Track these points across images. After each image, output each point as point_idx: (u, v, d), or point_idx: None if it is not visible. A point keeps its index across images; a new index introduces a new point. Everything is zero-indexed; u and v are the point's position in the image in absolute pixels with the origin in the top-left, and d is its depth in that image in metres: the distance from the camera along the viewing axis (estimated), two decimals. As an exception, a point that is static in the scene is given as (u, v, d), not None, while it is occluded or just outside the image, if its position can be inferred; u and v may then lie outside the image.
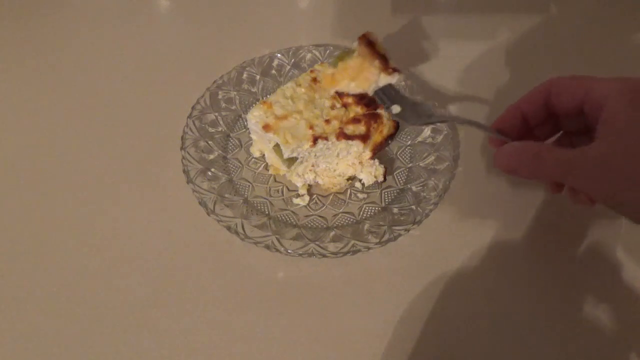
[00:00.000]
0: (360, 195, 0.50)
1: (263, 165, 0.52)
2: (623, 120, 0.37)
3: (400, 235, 0.45)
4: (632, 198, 0.38)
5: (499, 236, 0.48)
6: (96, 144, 0.55)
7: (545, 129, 0.43)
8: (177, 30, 0.69)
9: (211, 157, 0.51)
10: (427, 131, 0.53)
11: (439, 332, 0.43)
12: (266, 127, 0.46)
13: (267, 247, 0.44)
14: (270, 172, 0.51)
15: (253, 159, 0.52)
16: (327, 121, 0.48)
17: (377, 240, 0.44)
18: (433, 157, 0.51)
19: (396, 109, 0.46)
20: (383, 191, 0.50)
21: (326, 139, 0.47)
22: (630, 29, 0.67)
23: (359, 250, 0.44)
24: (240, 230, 0.44)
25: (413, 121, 0.46)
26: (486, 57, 0.63)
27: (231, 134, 0.54)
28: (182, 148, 0.50)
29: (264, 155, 0.52)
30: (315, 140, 0.47)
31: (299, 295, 0.45)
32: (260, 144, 0.50)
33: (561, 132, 0.44)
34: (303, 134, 0.47)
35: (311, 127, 0.47)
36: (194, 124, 0.52)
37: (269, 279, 0.46)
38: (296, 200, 0.49)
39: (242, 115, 0.55)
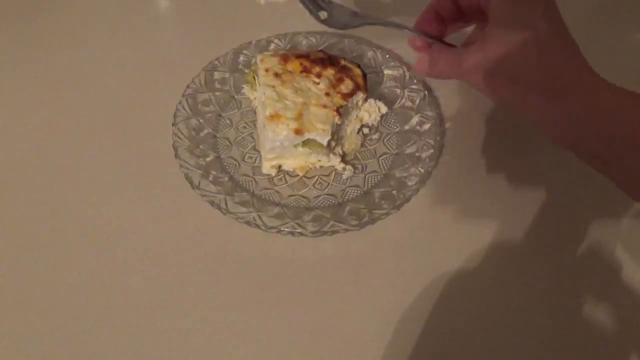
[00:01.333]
0: (345, 175, 0.51)
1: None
2: (501, 18, 0.40)
3: (379, 218, 0.46)
4: (509, 93, 0.41)
5: (499, 236, 0.48)
6: (84, 139, 0.55)
7: (459, 25, 0.47)
8: (172, 27, 0.70)
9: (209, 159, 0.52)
10: (415, 119, 0.54)
11: (437, 332, 0.43)
12: (298, 132, 0.47)
13: (248, 222, 0.45)
14: (299, 173, 0.51)
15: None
16: (327, 94, 0.50)
17: (356, 223, 0.45)
18: (418, 145, 0.51)
19: (323, 14, 0.48)
20: (367, 175, 0.51)
21: (342, 106, 0.49)
22: (630, 28, 0.67)
23: (337, 232, 0.45)
24: (222, 205, 0.46)
25: (339, 25, 0.48)
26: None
27: (217, 134, 0.54)
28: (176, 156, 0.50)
29: (279, 167, 0.51)
30: (338, 112, 0.49)
31: (297, 294, 0.45)
32: (278, 159, 0.50)
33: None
34: (326, 115, 0.48)
35: (324, 106, 0.49)
36: (187, 105, 0.53)
37: (265, 276, 0.46)
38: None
39: (222, 115, 0.56)
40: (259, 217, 0.45)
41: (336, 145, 0.50)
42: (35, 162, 0.53)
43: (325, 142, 0.48)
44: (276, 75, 0.51)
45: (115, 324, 0.43)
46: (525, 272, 0.46)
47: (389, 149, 0.53)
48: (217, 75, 0.57)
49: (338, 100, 0.50)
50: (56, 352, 0.42)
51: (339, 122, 0.49)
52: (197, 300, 0.45)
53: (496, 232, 0.48)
